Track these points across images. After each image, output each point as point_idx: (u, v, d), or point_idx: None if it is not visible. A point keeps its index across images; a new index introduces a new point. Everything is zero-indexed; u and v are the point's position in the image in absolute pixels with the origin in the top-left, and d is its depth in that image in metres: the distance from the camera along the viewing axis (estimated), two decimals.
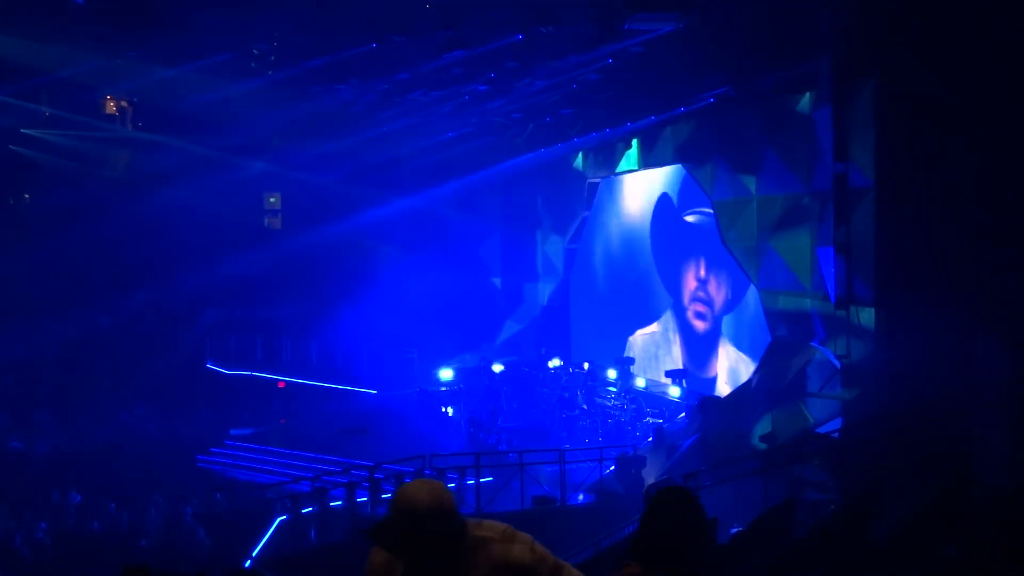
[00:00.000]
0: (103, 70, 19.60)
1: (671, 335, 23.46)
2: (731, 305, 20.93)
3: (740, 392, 17.71)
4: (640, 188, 24.53)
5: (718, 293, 21.58)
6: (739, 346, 20.47)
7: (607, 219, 26.20)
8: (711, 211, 19.45)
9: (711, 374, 21.65)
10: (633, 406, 21.20)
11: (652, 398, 21.64)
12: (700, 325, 22.23)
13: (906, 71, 13.37)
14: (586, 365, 24.04)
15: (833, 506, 7.98)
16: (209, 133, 26.30)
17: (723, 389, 20.82)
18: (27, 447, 23.20)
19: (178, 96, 21.94)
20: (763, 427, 15.94)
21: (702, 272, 22.12)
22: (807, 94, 15.88)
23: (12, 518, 17.53)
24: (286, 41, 17.51)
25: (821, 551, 7.20)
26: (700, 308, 22.30)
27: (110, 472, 20.79)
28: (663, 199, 23.60)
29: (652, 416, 20.79)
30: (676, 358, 23.14)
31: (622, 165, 23.85)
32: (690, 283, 22.73)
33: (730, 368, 20.81)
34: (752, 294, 19.06)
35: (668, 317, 23.64)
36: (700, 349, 22.31)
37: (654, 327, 24.18)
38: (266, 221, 32.91)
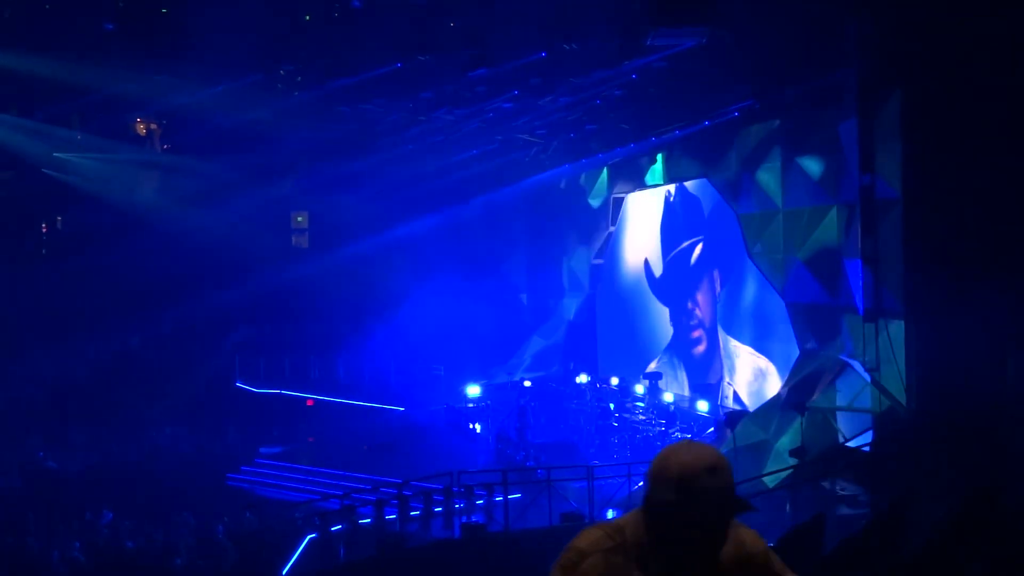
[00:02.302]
0: (133, 93, 19.88)
1: (676, 366, 23.85)
2: (721, 301, 21.64)
3: (768, 406, 17.61)
4: (666, 202, 24.51)
5: (706, 307, 22.14)
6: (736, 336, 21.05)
7: (633, 234, 26.17)
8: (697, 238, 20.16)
9: (715, 379, 22.11)
10: (662, 421, 21.10)
11: (680, 412, 21.53)
12: (699, 349, 22.67)
13: (932, 82, 13.30)
14: (614, 380, 23.96)
15: (864, 521, 7.90)
16: (237, 153, 26.59)
17: (728, 390, 21.36)
18: (60, 466, 23.44)
19: (206, 117, 22.22)
20: (792, 441, 15.82)
21: (689, 305, 22.84)
22: (833, 106, 15.82)
23: (48, 535, 17.70)
24: (312, 62, 17.70)
25: (851, 566, 7.14)
26: (696, 333, 22.79)
27: (141, 490, 20.96)
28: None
29: (681, 431, 20.68)
30: (683, 382, 23.43)
31: (647, 180, 23.86)
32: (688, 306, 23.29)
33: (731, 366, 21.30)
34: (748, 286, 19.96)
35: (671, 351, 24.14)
36: (702, 366, 22.84)
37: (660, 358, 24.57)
38: (293, 240, 33.20)
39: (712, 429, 19.77)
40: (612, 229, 26.77)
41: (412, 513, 16.05)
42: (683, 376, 23.47)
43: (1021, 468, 10.72)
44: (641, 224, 25.75)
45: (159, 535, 17.90)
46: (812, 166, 16.79)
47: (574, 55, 16.89)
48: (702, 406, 21.43)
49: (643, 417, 21.86)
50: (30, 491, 21.60)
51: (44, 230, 32.26)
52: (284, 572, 14.80)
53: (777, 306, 18.51)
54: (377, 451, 23.21)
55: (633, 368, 24.94)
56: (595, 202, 26.93)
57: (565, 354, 28.30)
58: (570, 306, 28.82)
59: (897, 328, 14.09)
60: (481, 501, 16.30)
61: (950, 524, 7.05)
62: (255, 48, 17.27)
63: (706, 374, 22.43)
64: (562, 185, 28.35)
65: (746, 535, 2.88)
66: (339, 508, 15.79)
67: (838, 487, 14.26)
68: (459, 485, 16.14)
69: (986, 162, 12.63)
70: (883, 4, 13.84)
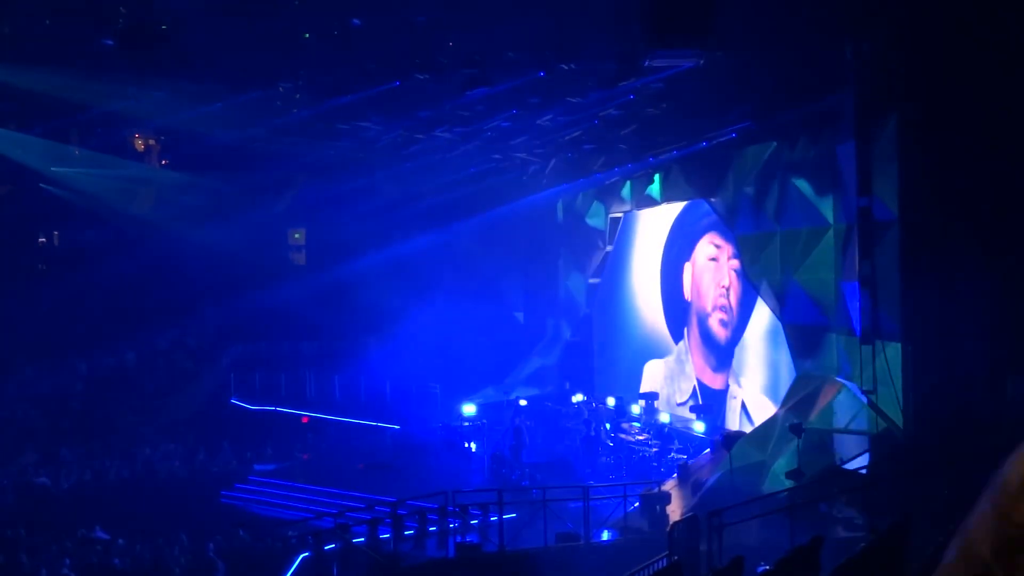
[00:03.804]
0: (132, 109, 19.92)
1: (684, 356, 23.44)
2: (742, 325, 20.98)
3: (765, 427, 17.55)
4: (662, 222, 24.51)
5: (738, 305, 21.35)
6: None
7: (629, 254, 26.18)
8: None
9: (721, 386, 21.70)
10: (657, 441, 21.03)
11: (676, 433, 21.46)
12: (723, 333, 21.95)
13: (930, 105, 13.35)
14: (611, 400, 23.90)
15: (862, 544, 7.86)
16: (235, 170, 26.64)
17: (733, 404, 20.92)
18: (52, 483, 23.30)
19: (205, 134, 22.26)
20: (789, 463, 15.77)
21: (726, 280, 21.65)
22: (830, 128, 15.87)
23: (38, 553, 17.56)
24: (311, 79, 17.75)
25: None
26: (723, 316, 21.91)
27: (134, 508, 20.84)
28: (687, 211, 23.51)
29: (677, 451, 20.61)
30: (690, 375, 23.05)
31: (644, 200, 23.89)
32: (712, 290, 22.25)
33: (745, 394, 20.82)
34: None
35: (682, 344, 23.63)
36: (716, 357, 22.24)
37: (669, 358, 24.13)
38: (291, 257, 33.24)
39: (708, 450, 19.71)
40: (609, 249, 26.78)
41: (406, 532, 15.95)
42: (690, 368, 23.10)
43: None
44: (636, 244, 25.78)
45: (151, 553, 17.78)
46: (809, 188, 16.82)
47: (572, 75, 16.96)
48: (698, 427, 21.37)
49: (639, 437, 21.75)
50: (22, 508, 21.46)
51: (41, 244, 32.26)
52: None
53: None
54: (372, 469, 23.11)
55: (629, 388, 24.88)
56: (592, 222, 26.97)
57: (561, 373, 28.26)
58: (566, 325, 28.80)
59: (894, 350, 14.08)
60: (476, 521, 16.21)
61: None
62: (254, 65, 17.33)
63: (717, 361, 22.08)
64: (559, 204, 28.44)
65: None
66: (333, 526, 15.67)
67: (835, 510, 14.21)
68: (454, 504, 16.06)
69: (983, 184, 12.67)
70: (880, 27, 13.92)
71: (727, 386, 21.51)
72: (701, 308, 22.66)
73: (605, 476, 20.35)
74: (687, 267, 23.11)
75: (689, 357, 23.24)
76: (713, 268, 22.11)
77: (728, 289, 21.51)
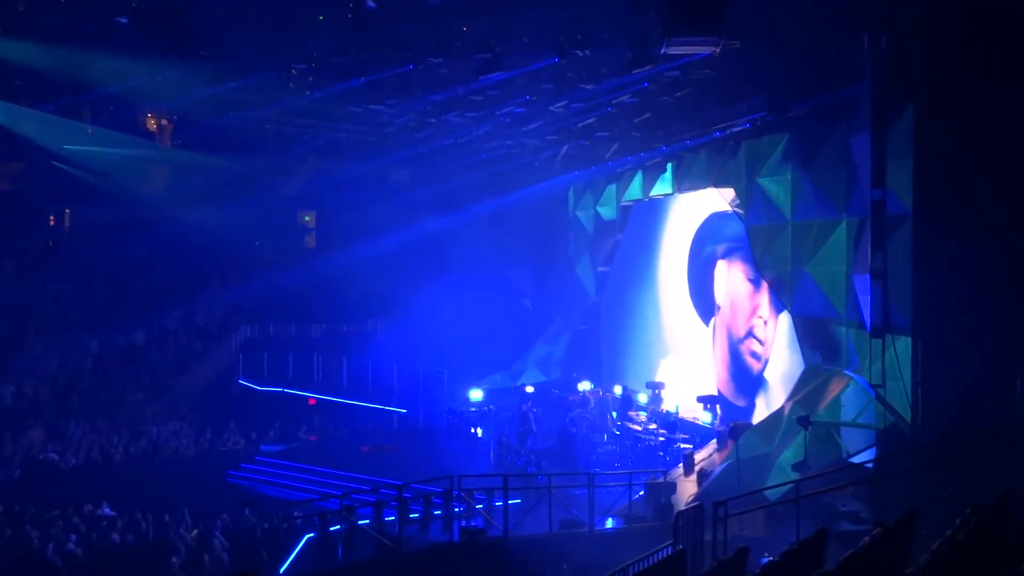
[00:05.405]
0: (145, 88, 19.91)
1: (707, 361, 23.08)
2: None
3: (772, 419, 17.52)
4: (675, 211, 24.42)
5: (775, 337, 20.14)
6: None
7: (641, 243, 26.09)
8: None
9: (744, 405, 21.31)
10: (663, 431, 21.01)
11: (683, 423, 21.44)
12: (755, 365, 20.95)
13: (946, 98, 13.27)
14: (618, 389, 23.88)
15: (867, 538, 7.85)
16: (247, 151, 26.65)
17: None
18: (60, 459, 23.44)
19: (217, 114, 22.25)
20: (795, 455, 15.76)
21: (765, 311, 20.41)
22: (844, 120, 15.78)
23: (45, 528, 17.66)
24: (324, 61, 17.72)
25: None
26: (757, 348, 20.82)
27: (141, 486, 20.96)
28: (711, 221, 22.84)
29: (682, 441, 20.60)
30: (710, 384, 22.71)
31: (656, 189, 23.80)
32: (747, 316, 21.17)
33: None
34: None
35: (705, 343, 23.27)
36: (743, 381, 21.46)
37: (688, 356, 23.89)
38: (301, 239, 33.33)
39: (715, 440, 19.70)
40: (619, 237, 26.71)
41: (411, 515, 15.99)
42: (712, 377, 22.58)
43: None
44: (648, 232, 25.68)
45: (157, 531, 17.88)
46: (822, 179, 16.72)
47: (587, 62, 16.90)
48: (705, 417, 21.34)
49: (645, 426, 21.72)
50: (30, 484, 21.61)
51: (52, 222, 32.37)
52: (282, 571, 14.73)
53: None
54: (376, 452, 23.19)
55: (637, 377, 24.84)
56: (603, 210, 26.90)
57: (568, 361, 28.25)
58: (575, 313, 28.76)
59: (904, 344, 14.04)
60: (481, 505, 16.23)
61: (956, 542, 6.99)
62: (267, 46, 17.32)
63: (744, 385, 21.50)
64: (570, 192, 28.39)
65: None
66: (338, 508, 15.71)
67: (840, 503, 14.19)
68: (459, 489, 16.09)
69: (998, 178, 12.59)
70: (896, 20, 13.81)
71: (753, 406, 21.08)
72: (733, 329, 21.74)
73: (611, 464, 20.35)
74: (720, 266, 22.23)
75: (713, 369, 22.62)
76: (751, 292, 20.93)
77: (766, 322, 20.52)
